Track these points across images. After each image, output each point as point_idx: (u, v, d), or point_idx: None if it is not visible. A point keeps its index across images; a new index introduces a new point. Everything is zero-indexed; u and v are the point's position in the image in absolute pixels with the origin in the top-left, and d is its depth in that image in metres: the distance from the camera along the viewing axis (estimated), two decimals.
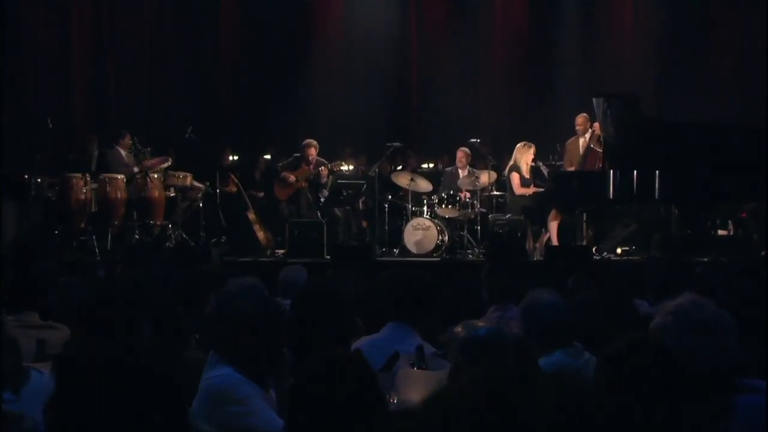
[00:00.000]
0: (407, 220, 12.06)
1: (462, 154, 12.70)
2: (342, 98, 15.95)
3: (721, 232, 11.95)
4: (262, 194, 13.39)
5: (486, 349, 3.18)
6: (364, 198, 13.30)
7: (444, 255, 11.69)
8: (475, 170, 12.52)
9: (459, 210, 12.12)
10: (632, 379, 2.41)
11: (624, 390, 2.39)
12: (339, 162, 12.74)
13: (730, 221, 12.22)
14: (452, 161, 13.15)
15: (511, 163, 12.01)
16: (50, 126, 12.12)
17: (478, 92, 16.54)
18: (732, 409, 2.63)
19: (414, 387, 3.71)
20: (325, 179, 12.49)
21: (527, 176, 11.94)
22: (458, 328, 3.35)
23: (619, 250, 11.63)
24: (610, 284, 6.62)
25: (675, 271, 6.33)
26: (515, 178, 11.84)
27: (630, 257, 11.37)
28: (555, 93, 15.61)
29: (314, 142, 12.56)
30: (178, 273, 6.39)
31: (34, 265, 6.51)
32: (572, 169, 12.02)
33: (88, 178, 11.73)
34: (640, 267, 9.21)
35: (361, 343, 4.71)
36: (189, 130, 12.63)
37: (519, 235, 11.02)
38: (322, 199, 12.55)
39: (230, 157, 14.32)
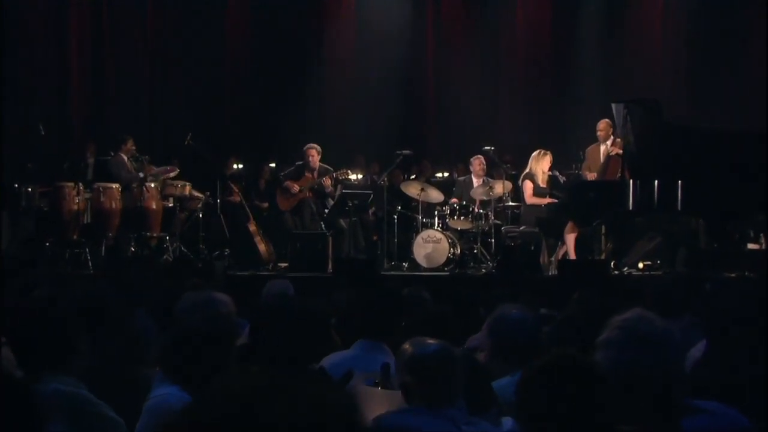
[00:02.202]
0: (417, 232, 12.09)
1: (478, 162, 12.71)
2: (353, 104, 16.02)
3: (751, 246, 11.87)
4: (266, 204, 13.42)
5: (434, 367, 3.21)
6: (373, 209, 13.32)
7: (455, 269, 11.70)
8: (489, 180, 12.52)
9: (472, 222, 12.13)
10: (549, 401, 2.42)
11: (543, 412, 2.41)
12: (345, 171, 12.71)
13: (762, 234, 12.13)
14: (467, 170, 13.16)
15: (526, 170, 12.01)
16: (42, 132, 12.23)
17: (497, 97, 16.54)
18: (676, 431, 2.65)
19: (377, 406, 3.74)
20: (329, 189, 12.50)
21: (543, 185, 11.92)
22: (406, 345, 3.37)
23: (641, 265, 11.58)
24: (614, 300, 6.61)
25: (679, 286, 6.30)
26: (528, 186, 11.84)
27: (652, 272, 11.31)
28: (578, 98, 15.58)
29: (316, 146, 12.57)
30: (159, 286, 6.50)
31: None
32: (591, 177, 12.01)
33: (81, 188, 11.75)
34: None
35: (331, 359, 4.78)
36: (188, 137, 12.65)
37: (532, 248, 11.00)
38: (326, 210, 12.57)
39: (234, 166, 14.42)
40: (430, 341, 3.34)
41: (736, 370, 4.02)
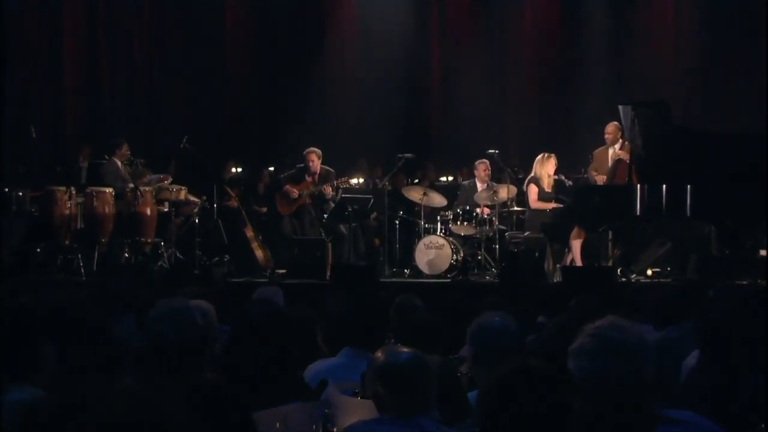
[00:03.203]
0: (420, 238, 12.10)
1: (483, 166, 12.69)
2: (356, 106, 16.05)
3: (763, 253, 11.82)
4: (265, 209, 13.43)
5: (406, 376, 3.22)
6: (375, 214, 13.33)
7: (457, 276, 11.70)
8: (494, 184, 12.52)
9: (476, 227, 12.14)
10: (500, 411, 2.42)
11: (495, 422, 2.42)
12: (345, 179, 12.69)
13: None
14: (472, 174, 13.15)
15: (531, 174, 12.01)
16: (34, 135, 12.25)
17: (504, 99, 16.53)
18: None
19: (354, 416, 3.76)
20: (330, 195, 12.49)
21: (548, 190, 11.91)
22: (378, 353, 3.39)
23: (649, 272, 11.54)
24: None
25: (681, 294, 6.31)
26: (533, 190, 11.84)
27: (661, 279, 11.29)
28: (587, 100, 15.54)
29: (316, 150, 12.57)
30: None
31: None
32: (599, 178, 11.99)
33: (73, 192, 11.73)
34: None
35: (316, 367, 4.82)
36: (184, 140, 12.67)
37: (536, 254, 10.99)
38: (326, 215, 12.57)
39: (233, 170, 14.43)
40: (403, 350, 3.35)
41: (728, 378, 4.04)
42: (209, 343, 3.97)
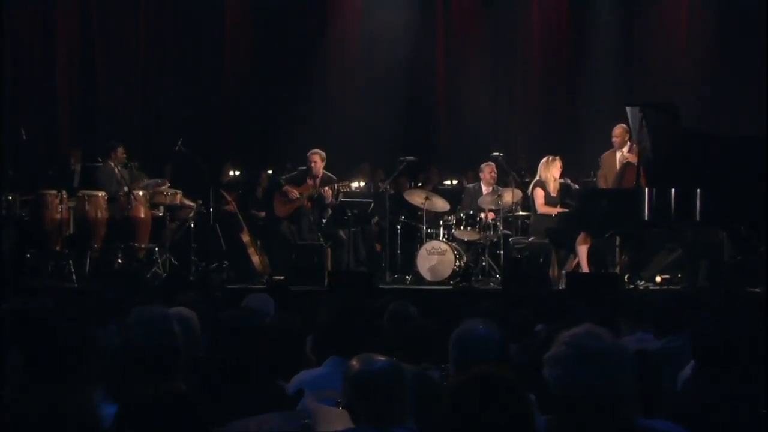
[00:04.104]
0: (422, 243, 12.09)
1: (489, 170, 12.65)
2: (358, 108, 15.99)
3: None
4: (263, 213, 13.43)
5: (380, 385, 3.22)
6: (377, 218, 13.31)
7: (459, 283, 11.68)
8: (499, 188, 12.50)
9: (479, 232, 12.13)
10: (453, 417, 2.42)
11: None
12: (346, 183, 12.64)
13: None
14: (477, 177, 13.12)
15: (536, 178, 11.99)
16: (24, 137, 12.26)
17: (511, 101, 16.51)
18: None
19: (333, 426, 3.75)
20: (329, 200, 12.46)
21: (554, 194, 11.90)
22: (353, 361, 3.38)
23: (658, 279, 11.52)
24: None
25: (680, 302, 6.30)
26: (539, 195, 11.82)
27: (671, 287, 11.26)
28: (595, 103, 15.51)
29: (320, 152, 12.52)
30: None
31: None
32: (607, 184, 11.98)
33: (64, 196, 11.71)
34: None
35: (301, 377, 4.81)
36: (179, 142, 12.66)
37: (541, 260, 10.97)
38: (324, 220, 12.56)
39: (230, 173, 14.43)
40: (379, 358, 3.34)
41: (721, 389, 4.02)
42: (185, 351, 3.95)
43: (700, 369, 4.26)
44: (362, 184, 13.87)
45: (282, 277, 11.95)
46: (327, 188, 12.40)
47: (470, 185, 13.19)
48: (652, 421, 2.82)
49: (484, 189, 12.60)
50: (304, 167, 12.67)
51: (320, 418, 3.76)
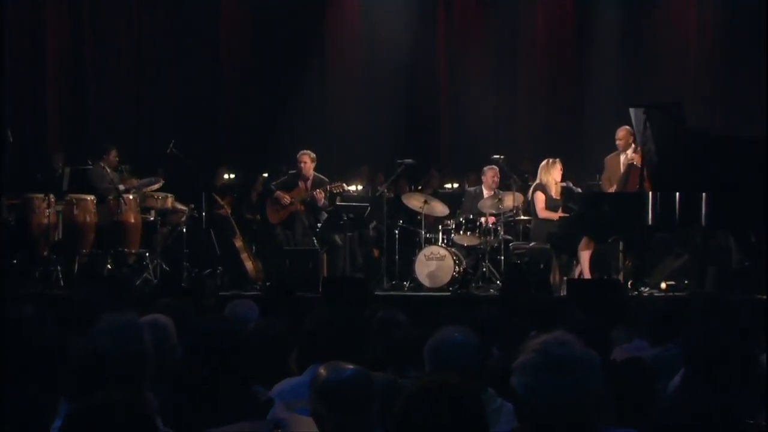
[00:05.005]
0: (420, 249, 12.08)
1: (493, 173, 12.63)
2: (358, 110, 16.01)
3: None
4: (258, 217, 13.35)
5: (347, 394, 3.21)
6: (375, 223, 13.29)
7: (458, 290, 11.66)
8: (500, 192, 12.48)
9: (479, 237, 12.10)
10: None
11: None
12: (340, 184, 12.61)
13: None
14: (479, 181, 13.10)
15: (537, 182, 11.96)
16: (10, 139, 12.26)
17: (513, 103, 16.49)
18: None
19: None
20: (322, 203, 12.43)
21: (555, 197, 11.87)
22: (321, 370, 3.37)
23: (663, 285, 11.47)
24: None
25: (675, 308, 6.27)
26: (540, 198, 11.78)
27: (676, 293, 11.22)
28: (600, 105, 15.49)
29: (309, 153, 12.48)
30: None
31: None
32: (611, 190, 11.95)
33: (52, 200, 11.70)
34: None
35: (281, 386, 4.79)
36: (171, 145, 12.65)
37: (542, 266, 10.95)
38: (319, 224, 12.54)
39: (225, 176, 14.43)
40: (347, 366, 3.34)
41: (708, 398, 4.01)
42: (157, 359, 3.96)
43: (689, 376, 4.25)
44: (360, 187, 13.85)
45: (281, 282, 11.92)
46: (319, 191, 12.33)
47: (471, 188, 13.19)
48: (619, 429, 2.81)
49: (486, 192, 12.58)
50: (294, 171, 12.64)
51: (292, 428, 3.76)
